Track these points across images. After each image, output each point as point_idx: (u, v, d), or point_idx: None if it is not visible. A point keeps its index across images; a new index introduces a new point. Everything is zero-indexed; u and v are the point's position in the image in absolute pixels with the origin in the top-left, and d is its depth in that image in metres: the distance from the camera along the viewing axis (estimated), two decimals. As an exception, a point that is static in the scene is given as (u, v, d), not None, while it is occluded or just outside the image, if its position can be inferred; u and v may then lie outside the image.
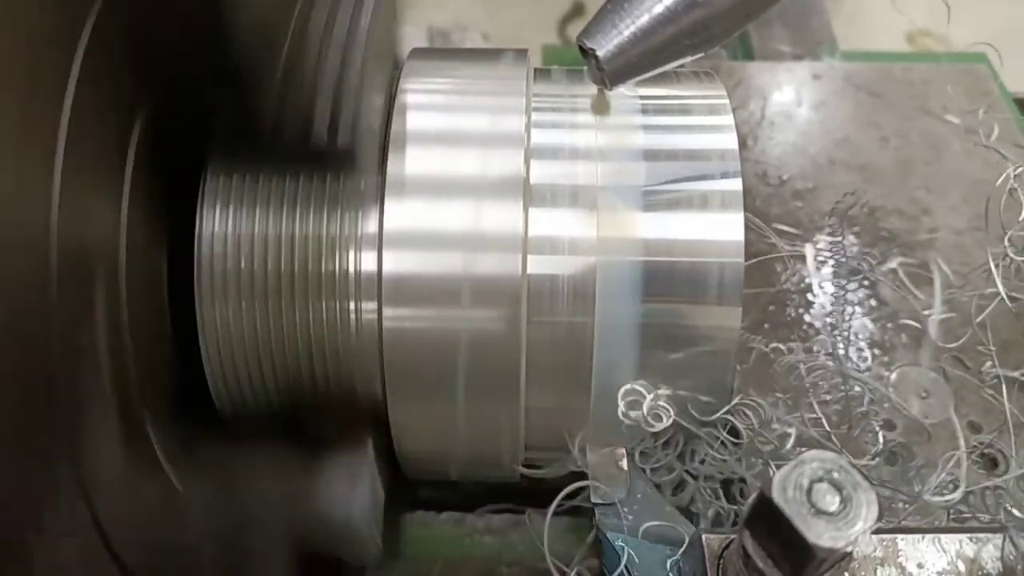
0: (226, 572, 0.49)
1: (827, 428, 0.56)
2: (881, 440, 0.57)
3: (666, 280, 0.48)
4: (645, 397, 0.48)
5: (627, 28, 0.46)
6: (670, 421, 0.48)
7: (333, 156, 0.47)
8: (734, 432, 0.52)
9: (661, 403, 0.48)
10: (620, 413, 0.49)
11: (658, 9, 0.45)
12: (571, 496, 0.50)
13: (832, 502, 0.38)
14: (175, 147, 0.46)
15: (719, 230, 0.49)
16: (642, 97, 0.53)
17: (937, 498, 0.50)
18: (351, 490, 0.51)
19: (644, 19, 0.45)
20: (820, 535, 0.37)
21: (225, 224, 0.47)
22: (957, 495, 0.50)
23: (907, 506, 0.52)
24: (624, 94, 0.52)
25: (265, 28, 0.48)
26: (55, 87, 0.36)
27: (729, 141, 0.51)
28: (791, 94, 0.85)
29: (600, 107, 0.52)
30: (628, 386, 0.49)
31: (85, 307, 0.39)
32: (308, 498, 0.51)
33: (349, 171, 0.47)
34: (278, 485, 0.51)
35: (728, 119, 0.52)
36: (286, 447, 0.50)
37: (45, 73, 0.35)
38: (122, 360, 0.42)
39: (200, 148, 0.48)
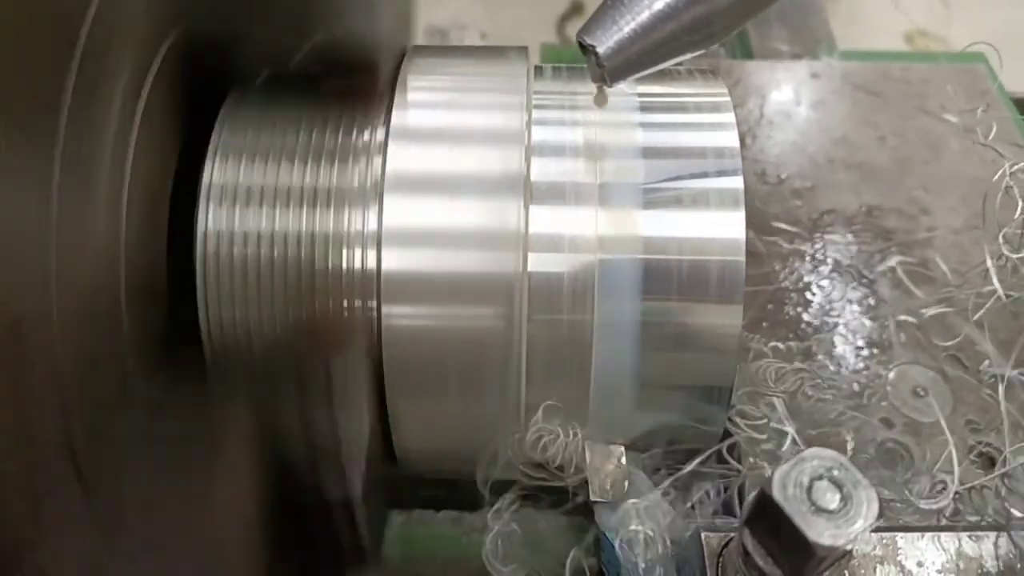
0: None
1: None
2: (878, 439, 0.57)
3: (667, 278, 0.48)
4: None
5: (627, 24, 0.46)
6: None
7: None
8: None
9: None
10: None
11: (659, 5, 0.45)
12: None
13: (832, 500, 0.38)
14: (180, 119, 0.46)
15: (720, 228, 0.48)
16: (643, 94, 0.53)
17: (928, 504, 0.50)
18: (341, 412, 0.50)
19: (644, 15, 0.45)
20: (821, 533, 0.37)
21: (224, 222, 0.47)
22: (945, 501, 0.50)
23: (904, 505, 0.52)
24: (625, 91, 0.52)
25: None
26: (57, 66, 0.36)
27: (730, 139, 0.51)
28: (790, 93, 0.85)
29: (601, 99, 0.52)
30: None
31: (84, 297, 0.39)
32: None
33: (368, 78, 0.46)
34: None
35: (729, 117, 0.52)
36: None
37: (43, 50, 0.35)
38: (120, 344, 0.42)
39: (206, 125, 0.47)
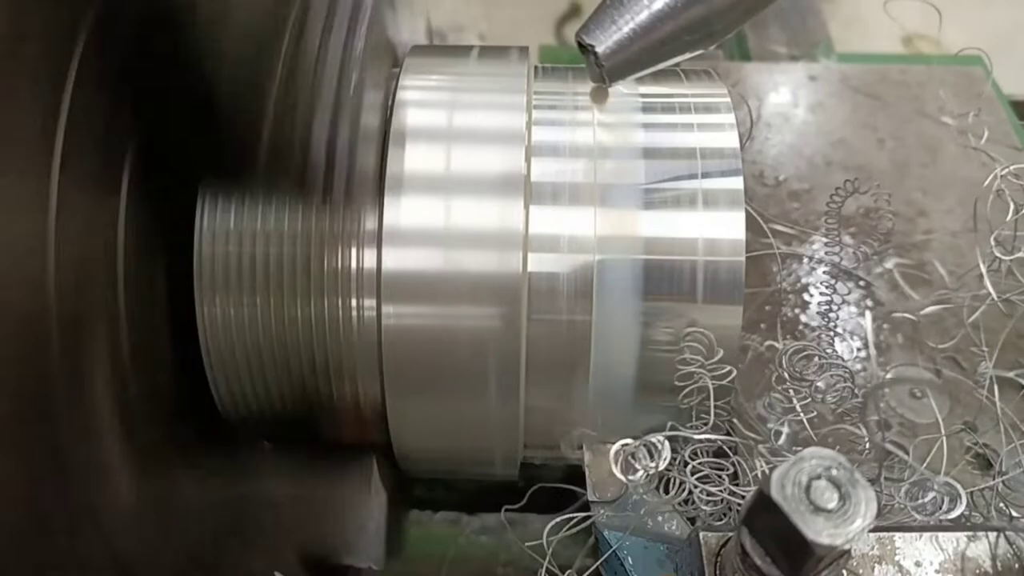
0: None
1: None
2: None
3: (666, 278, 0.48)
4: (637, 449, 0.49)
5: (626, 24, 0.46)
6: (668, 457, 0.49)
7: (329, 190, 0.46)
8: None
9: (653, 440, 0.49)
10: (619, 474, 0.49)
11: (658, 5, 0.45)
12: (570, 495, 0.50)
13: (831, 499, 0.37)
14: (172, 158, 0.46)
15: (720, 228, 0.49)
16: (643, 95, 0.53)
17: (941, 516, 0.50)
18: (359, 494, 0.51)
19: (643, 15, 0.45)
20: (819, 532, 0.37)
21: (225, 222, 0.46)
22: (957, 510, 0.50)
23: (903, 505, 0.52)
24: (625, 92, 0.52)
25: (257, 53, 0.48)
26: (50, 106, 0.36)
27: (730, 139, 0.51)
28: (787, 95, 0.85)
29: (599, 95, 0.52)
30: (616, 445, 0.49)
31: (84, 312, 0.39)
32: (315, 502, 0.51)
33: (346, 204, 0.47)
34: (285, 488, 0.51)
35: (729, 117, 0.52)
36: (294, 451, 0.50)
37: (37, 97, 0.35)
38: (121, 362, 0.42)
39: (197, 162, 0.47)
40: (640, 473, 0.49)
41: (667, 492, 0.51)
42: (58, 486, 0.37)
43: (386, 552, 0.55)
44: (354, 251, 0.48)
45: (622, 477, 0.50)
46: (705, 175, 0.50)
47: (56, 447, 0.37)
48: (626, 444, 0.50)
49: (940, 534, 0.45)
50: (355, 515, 0.54)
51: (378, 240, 0.48)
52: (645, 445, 0.50)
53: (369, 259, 0.48)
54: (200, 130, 0.46)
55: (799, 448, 0.50)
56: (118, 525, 0.40)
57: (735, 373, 0.49)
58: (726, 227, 0.49)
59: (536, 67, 0.56)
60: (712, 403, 0.49)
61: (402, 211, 0.48)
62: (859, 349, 0.66)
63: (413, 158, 0.49)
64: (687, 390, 0.49)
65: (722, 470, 0.50)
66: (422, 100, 0.52)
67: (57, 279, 0.36)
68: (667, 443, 0.49)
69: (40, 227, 0.36)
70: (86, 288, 0.39)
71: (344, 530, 0.55)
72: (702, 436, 0.50)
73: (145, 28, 0.42)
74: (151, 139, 0.43)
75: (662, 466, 0.49)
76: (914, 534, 0.45)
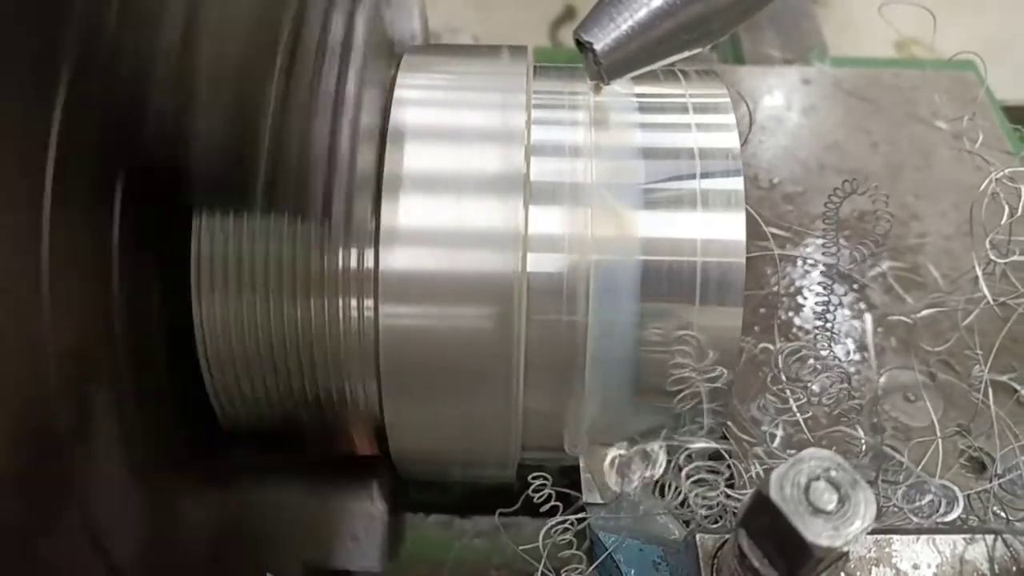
0: None
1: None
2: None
3: (665, 280, 0.48)
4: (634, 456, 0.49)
5: (625, 22, 0.46)
6: (664, 463, 0.48)
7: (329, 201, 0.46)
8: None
9: (651, 448, 0.49)
10: (614, 484, 0.49)
11: (657, 3, 0.45)
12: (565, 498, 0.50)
13: (830, 501, 0.37)
14: (165, 183, 0.45)
15: (720, 229, 0.48)
16: (642, 95, 0.53)
17: (939, 518, 0.50)
18: (359, 502, 0.50)
19: (642, 13, 0.45)
20: (818, 534, 0.37)
21: (222, 222, 0.46)
22: (954, 513, 0.50)
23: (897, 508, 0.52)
24: (624, 92, 0.52)
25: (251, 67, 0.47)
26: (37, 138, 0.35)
27: (730, 140, 0.51)
28: (781, 98, 0.85)
29: (598, 94, 0.52)
30: (612, 453, 0.49)
31: (81, 322, 0.39)
32: (317, 513, 0.50)
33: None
34: (286, 499, 0.50)
35: (729, 118, 0.52)
36: (294, 461, 0.50)
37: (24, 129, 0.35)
38: (121, 373, 0.41)
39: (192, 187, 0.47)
40: (635, 483, 0.49)
41: (663, 495, 0.51)
42: (51, 494, 0.36)
43: (386, 557, 0.55)
44: (352, 251, 0.47)
45: (617, 488, 0.50)
46: (705, 175, 0.49)
47: (52, 450, 0.36)
48: (621, 453, 0.50)
49: (937, 536, 0.45)
50: (355, 522, 0.54)
51: (376, 240, 0.47)
52: (639, 453, 0.50)
53: (367, 259, 0.48)
54: (194, 152, 0.45)
55: (793, 451, 0.50)
56: (117, 537, 0.39)
57: (731, 376, 0.48)
58: (726, 228, 0.48)
59: (535, 66, 0.56)
60: (708, 406, 0.48)
61: (400, 211, 0.48)
62: (854, 352, 0.66)
63: (412, 157, 0.49)
64: (684, 393, 0.49)
65: (717, 473, 0.50)
66: (420, 99, 0.52)
67: (51, 281, 0.36)
68: (663, 450, 0.49)
69: (34, 258, 0.35)
70: (82, 317, 0.39)
71: (344, 537, 0.54)
72: (697, 444, 0.50)
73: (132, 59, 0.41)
74: (143, 163, 0.42)
75: (658, 473, 0.49)
76: (911, 536, 0.45)
